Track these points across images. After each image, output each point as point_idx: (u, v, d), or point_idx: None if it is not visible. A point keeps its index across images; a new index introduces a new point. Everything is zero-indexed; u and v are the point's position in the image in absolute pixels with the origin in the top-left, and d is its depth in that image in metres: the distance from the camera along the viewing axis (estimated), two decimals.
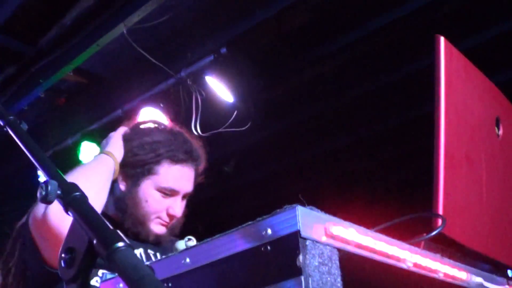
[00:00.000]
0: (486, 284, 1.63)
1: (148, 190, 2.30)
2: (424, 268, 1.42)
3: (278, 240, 1.17)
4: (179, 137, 2.42)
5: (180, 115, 4.84)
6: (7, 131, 1.50)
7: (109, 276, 1.50)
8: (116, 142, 2.34)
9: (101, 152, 2.31)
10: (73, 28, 4.67)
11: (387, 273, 1.37)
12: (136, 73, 5.06)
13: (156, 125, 2.48)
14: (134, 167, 2.30)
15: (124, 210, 2.31)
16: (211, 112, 4.96)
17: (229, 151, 6.06)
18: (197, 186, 2.44)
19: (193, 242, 2.07)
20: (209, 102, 4.95)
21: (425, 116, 2.12)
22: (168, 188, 2.31)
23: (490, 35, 4.69)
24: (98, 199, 2.11)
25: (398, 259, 1.35)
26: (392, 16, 4.54)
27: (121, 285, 1.45)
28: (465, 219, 1.78)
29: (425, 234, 1.55)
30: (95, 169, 2.23)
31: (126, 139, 2.37)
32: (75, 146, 5.36)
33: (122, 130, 2.42)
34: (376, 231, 1.36)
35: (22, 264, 2.14)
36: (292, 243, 1.15)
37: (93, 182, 2.13)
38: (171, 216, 2.32)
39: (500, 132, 2.00)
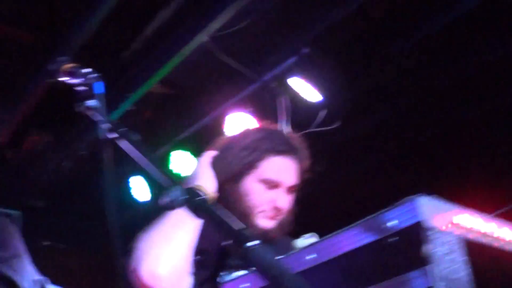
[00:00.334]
0: None
1: (250, 184, 2.31)
2: None
3: (402, 232, 1.20)
4: (276, 131, 2.45)
5: (267, 118, 4.89)
6: (120, 143, 1.57)
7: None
8: (204, 171, 2.30)
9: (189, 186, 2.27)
10: (155, 39, 4.80)
11: None
12: (220, 80, 5.16)
13: (249, 128, 2.52)
14: (237, 171, 2.31)
15: (227, 207, 2.32)
16: (299, 113, 5.00)
17: (320, 150, 6.07)
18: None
19: (315, 238, 2.06)
20: (295, 103, 4.99)
21: None
22: (270, 180, 2.32)
23: None
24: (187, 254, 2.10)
25: None
26: None
27: (240, 286, 1.50)
28: None
29: None
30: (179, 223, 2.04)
31: (223, 151, 2.39)
32: (165, 157, 5.53)
33: (209, 154, 2.40)
34: (497, 215, 1.36)
35: None
36: (416, 234, 1.18)
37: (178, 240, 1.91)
38: (276, 209, 2.31)
39: None
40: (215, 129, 5.03)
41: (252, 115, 5.06)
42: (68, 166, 6.22)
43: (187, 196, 1.22)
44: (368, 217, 1.24)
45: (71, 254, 7.97)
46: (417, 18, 4.76)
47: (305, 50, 4.79)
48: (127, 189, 6.05)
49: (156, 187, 6.06)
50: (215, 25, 4.41)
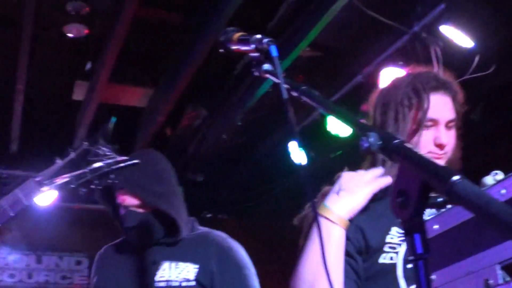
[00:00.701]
0: None
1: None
2: None
3: None
4: (422, 72, 2.46)
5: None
6: (304, 100, 1.68)
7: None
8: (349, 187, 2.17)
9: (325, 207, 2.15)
10: (299, 4, 4.92)
11: None
12: (369, 37, 5.21)
13: (395, 78, 2.53)
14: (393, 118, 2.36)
15: None
16: (452, 61, 4.94)
17: (475, 98, 5.97)
18: None
19: (500, 175, 2.08)
20: (448, 51, 4.94)
21: None
22: (426, 119, 2.31)
23: None
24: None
25: None
26: None
27: (434, 226, 1.57)
28: None
29: None
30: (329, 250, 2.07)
31: (378, 107, 2.42)
32: (322, 119, 5.66)
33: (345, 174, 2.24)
34: None
35: None
36: None
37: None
38: (439, 146, 2.31)
39: None
40: (369, 87, 5.09)
41: (405, 68, 5.07)
42: (225, 138, 6.50)
43: (382, 141, 1.29)
44: None
45: (233, 224, 8.31)
46: None
47: None
48: (287, 153, 6.24)
49: (312, 151, 6.22)
50: None
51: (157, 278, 2.85)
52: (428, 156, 1.20)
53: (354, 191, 2.13)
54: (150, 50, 5.85)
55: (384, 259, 2.15)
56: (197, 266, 2.86)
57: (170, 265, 2.87)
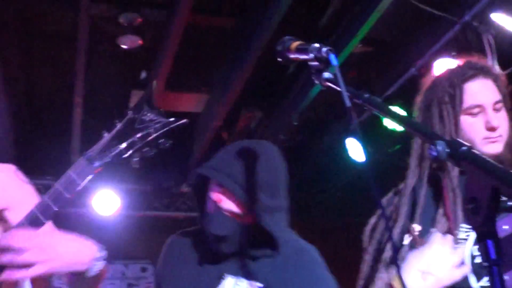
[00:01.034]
0: None
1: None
2: None
3: None
4: (461, 63, 2.48)
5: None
6: (366, 108, 1.72)
7: None
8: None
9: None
10: (349, 1, 4.97)
11: None
12: (420, 29, 5.24)
13: (435, 76, 2.58)
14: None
15: None
16: (506, 48, 4.92)
17: None
18: None
19: None
20: (501, 38, 4.92)
21: None
22: (472, 106, 2.37)
23: None
24: None
25: None
26: None
27: (504, 227, 1.61)
28: None
29: None
30: None
31: (422, 105, 2.50)
32: (376, 115, 5.68)
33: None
34: None
35: None
36: None
37: None
38: (491, 129, 2.34)
39: None
40: (423, 79, 5.11)
41: (458, 58, 5.06)
42: (282, 138, 6.58)
43: (450, 149, 1.31)
44: None
45: (291, 223, 8.37)
46: None
47: None
48: (344, 150, 6.29)
49: (369, 147, 6.25)
50: None
51: None
52: (495, 163, 1.22)
53: (442, 279, 2.11)
54: (203, 56, 5.97)
55: None
56: (261, 286, 2.43)
57: (234, 281, 2.45)
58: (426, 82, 2.58)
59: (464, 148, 1.29)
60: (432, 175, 2.40)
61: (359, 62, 5.76)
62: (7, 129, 6.42)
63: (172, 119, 2.13)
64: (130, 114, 2.11)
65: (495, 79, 2.43)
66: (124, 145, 2.05)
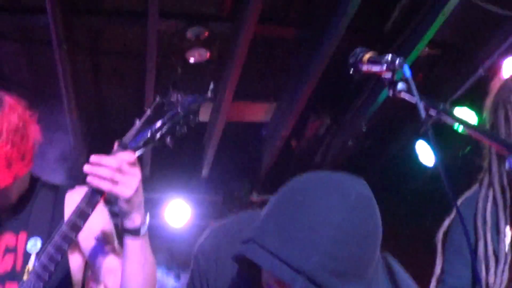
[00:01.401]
0: None
1: None
2: None
3: None
4: None
5: None
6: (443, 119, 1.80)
7: None
8: None
9: None
10: (414, 5, 5.04)
11: None
12: (486, 29, 5.27)
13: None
14: None
15: None
16: None
17: None
18: None
19: None
20: None
21: None
22: None
23: None
24: None
25: None
26: None
27: None
28: None
29: None
30: None
31: (489, 107, 2.59)
32: None
33: None
34: None
35: None
36: None
37: None
38: None
39: None
40: (492, 80, 5.13)
41: None
42: (351, 144, 6.65)
43: None
44: None
45: None
46: None
47: None
48: (414, 154, 6.32)
49: (441, 152, 6.25)
50: None
51: None
52: None
53: None
54: (270, 65, 6.09)
55: None
56: None
57: None
58: (495, 83, 2.64)
59: None
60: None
61: (425, 65, 5.81)
62: (80, 145, 6.67)
63: (197, 95, 2.30)
64: (157, 99, 2.30)
65: None
66: (156, 126, 2.24)
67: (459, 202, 2.54)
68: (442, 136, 6.22)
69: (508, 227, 2.36)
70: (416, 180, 7.34)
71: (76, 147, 6.61)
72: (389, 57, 1.90)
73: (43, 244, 2.50)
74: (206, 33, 5.49)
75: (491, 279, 2.30)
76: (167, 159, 7.61)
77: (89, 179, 2.20)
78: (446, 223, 2.57)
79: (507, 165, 1.41)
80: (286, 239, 1.60)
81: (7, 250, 2.55)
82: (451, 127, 5.77)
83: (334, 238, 1.58)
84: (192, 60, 5.70)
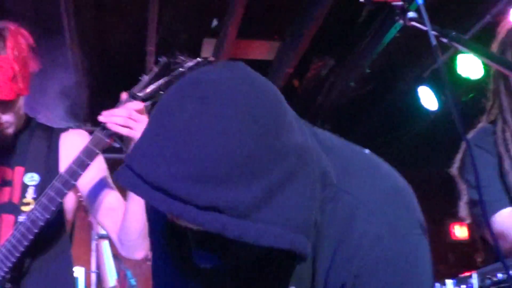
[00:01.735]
0: None
1: None
2: None
3: None
4: None
5: None
6: (454, 46, 1.81)
7: None
8: None
9: None
10: None
11: None
12: None
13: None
14: None
15: None
16: None
17: None
18: None
19: None
20: None
21: None
22: None
23: None
24: None
25: None
26: None
27: None
28: None
29: None
30: None
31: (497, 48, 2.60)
32: (451, 62, 5.73)
33: None
34: None
35: None
36: None
37: None
38: None
39: None
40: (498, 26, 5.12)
41: None
42: (354, 86, 6.68)
43: None
44: None
45: None
46: None
47: None
48: (416, 98, 6.35)
49: (442, 95, 6.29)
50: None
51: None
52: None
53: None
54: (275, 3, 6.07)
55: None
56: None
57: None
58: (502, 29, 2.67)
59: None
60: None
61: (433, 8, 5.76)
62: (80, 82, 6.71)
63: (200, 59, 2.49)
64: (163, 59, 2.48)
65: None
66: (162, 81, 2.43)
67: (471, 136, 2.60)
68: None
69: None
70: (419, 124, 7.40)
71: (78, 84, 6.64)
72: None
73: (41, 180, 2.61)
74: None
75: None
76: None
77: (109, 125, 2.41)
78: (459, 156, 2.63)
79: None
80: (144, 155, 1.32)
81: (3, 183, 2.63)
82: (456, 73, 5.80)
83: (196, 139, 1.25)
84: None
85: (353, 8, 5.88)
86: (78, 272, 5.82)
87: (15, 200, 2.60)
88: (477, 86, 5.98)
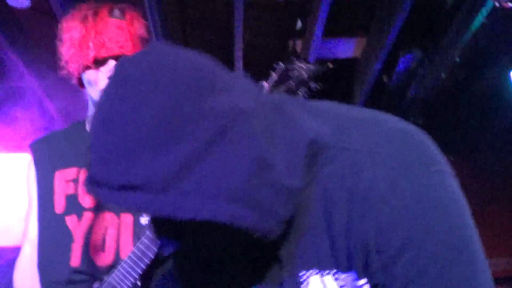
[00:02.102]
0: None
1: None
2: None
3: None
4: None
5: None
6: None
7: None
8: None
9: None
10: None
11: None
12: None
13: None
14: None
15: None
16: None
17: None
18: None
19: None
20: None
21: None
22: None
23: None
24: None
25: None
26: None
27: None
28: None
29: None
30: None
31: None
32: None
33: None
34: None
35: None
36: None
37: None
38: None
39: None
40: None
41: None
42: (444, 77, 6.63)
43: None
44: None
45: (459, 165, 8.39)
46: None
47: None
48: (509, 85, 6.28)
49: None
50: None
51: None
52: None
53: None
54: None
55: None
56: None
57: None
58: None
59: None
60: None
61: None
62: None
63: (318, 64, 2.44)
64: (281, 65, 2.45)
65: None
66: (283, 88, 2.39)
67: None
68: None
69: None
70: (510, 111, 7.28)
71: None
72: None
73: None
74: None
75: None
76: None
77: None
78: None
79: None
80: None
81: None
82: None
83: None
84: None
85: None
86: None
87: None
88: None
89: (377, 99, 7.27)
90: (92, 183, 1.24)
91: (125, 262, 2.46)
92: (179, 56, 1.33)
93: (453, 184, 1.36)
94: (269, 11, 6.38)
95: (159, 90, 1.21)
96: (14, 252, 3.00)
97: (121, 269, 2.44)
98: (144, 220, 2.51)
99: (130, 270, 2.44)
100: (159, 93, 1.21)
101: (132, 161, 1.16)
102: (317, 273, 1.37)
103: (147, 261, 2.40)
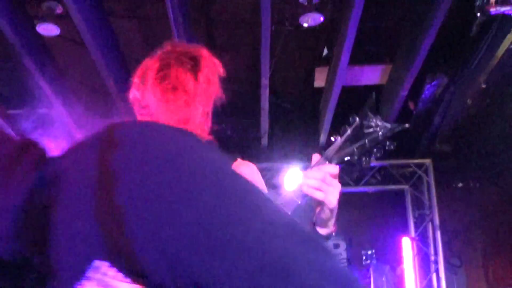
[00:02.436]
0: None
1: None
2: None
3: None
4: None
5: None
6: None
7: None
8: None
9: None
10: None
11: None
12: None
13: None
14: None
15: None
16: None
17: None
18: None
19: None
20: None
21: None
22: None
23: None
24: None
25: None
26: None
27: None
28: None
29: None
30: None
31: None
32: None
33: None
34: None
35: None
36: None
37: None
38: None
39: None
40: None
41: None
42: (470, 103, 6.66)
43: None
44: None
45: (486, 192, 8.37)
46: None
47: None
48: None
49: None
50: None
51: None
52: None
53: None
54: (384, 26, 6.17)
55: None
56: None
57: None
58: None
59: None
60: None
61: None
62: None
63: (395, 124, 2.46)
64: (357, 120, 2.47)
65: None
66: (356, 145, 2.43)
67: None
68: None
69: None
70: None
71: None
72: None
73: None
74: None
75: None
76: (283, 128, 7.84)
77: (304, 187, 2.36)
78: None
79: None
80: None
81: None
82: None
83: None
84: (305, 25, 5.87)
85: (463, 23, 5.91)
86: None
87: None
88: None
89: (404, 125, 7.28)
90: None
91: None
92: None
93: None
94: (296, 39, 6.45)
95: None
96: None
97: None
98: None
99: None
100: None
101: None
102: None
103: None
